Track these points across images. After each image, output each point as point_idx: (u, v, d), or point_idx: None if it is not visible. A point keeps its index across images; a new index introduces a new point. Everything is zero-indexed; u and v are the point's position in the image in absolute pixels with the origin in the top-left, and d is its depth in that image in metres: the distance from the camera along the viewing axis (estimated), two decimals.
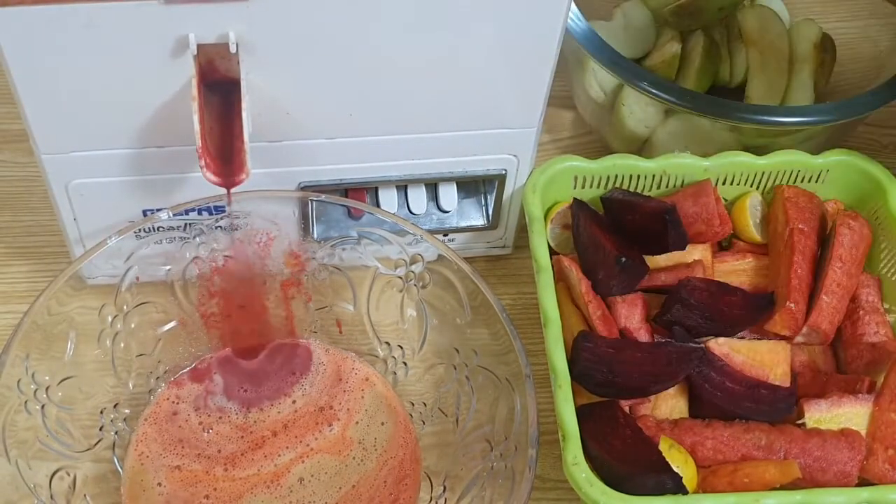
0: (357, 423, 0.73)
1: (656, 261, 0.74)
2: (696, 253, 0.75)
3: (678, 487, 0.63)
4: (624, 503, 0.62)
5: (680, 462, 0.65)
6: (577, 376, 0.68)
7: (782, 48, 0.88)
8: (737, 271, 0.76)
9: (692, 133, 0.82)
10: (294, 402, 0.74)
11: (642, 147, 0.86)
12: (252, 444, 0.72)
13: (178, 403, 0.73)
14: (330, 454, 0.71)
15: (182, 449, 0.71)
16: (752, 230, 0.78)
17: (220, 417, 0.73)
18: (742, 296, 0.73)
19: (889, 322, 0.74)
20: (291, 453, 0.71)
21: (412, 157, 0.72)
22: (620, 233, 0.75)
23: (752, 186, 0.79)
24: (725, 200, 0.79)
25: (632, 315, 0.72)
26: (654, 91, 0.77)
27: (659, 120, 0.84)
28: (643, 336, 0.72)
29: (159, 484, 0.69)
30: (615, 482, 0.63)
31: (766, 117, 0.77)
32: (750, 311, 0.72)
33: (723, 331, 0.72)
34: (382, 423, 0.73)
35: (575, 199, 0.76)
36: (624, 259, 0.70)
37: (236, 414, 0.73)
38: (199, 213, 0.71)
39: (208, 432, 0.72)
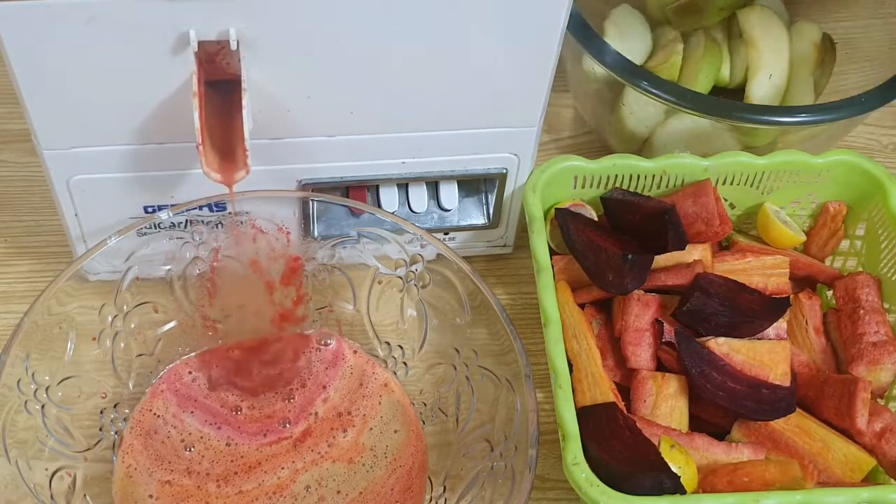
0: (371, 429, 0.72)
1: (656, 261, 0.74)
2: (696, 253, 0.75)
3: (676, 487, 0.63)
4: (624, 503, 0.62)
5: (681, 462, 0.65)
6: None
7: (782, 48, 0.88)
8: (736, 271, 0.76)
9: (693, 133, 0.82)
10: (316, 413, 0.73)
11: (642, 147, 0.86)
12: (246, 466, 0.70)
13: (158, 418, 0.72)
14: (341, 462, 0.71)
15: (169, 464, 0.70)
16: (791, 231, 0.78)
17: (201, 436, 0.71)
18: (759, 296, 0.73)
19: (889, 322, 0.74)
20: (300, 463, 0.70)
21: (413, 155, 0.72)
22: (617, 231, 0.75)
23: (752, 186, 0.79)
24: (732, 207, 0.79)
25: (643, 314, 0.72)
26: (654, 91, 0.77)
27: (659, 120, 0.84)
28: (647, 338, 0.72)
29: (150, 496, 0.68)
30: (614, 482, 0.63)
31: (766, 117, 0.77)
32: (768, 309, 0.72)
33: (742, 324, 0.71)
34: (396, 431, 0.72)
35: (557, 209, 0.76)
36: (630, 256, 0.70)
37: (224, 442, 0.71)
38: (200, 209, 0.71)
39: (190, 450, 0.70)
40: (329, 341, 0.76)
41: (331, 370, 0.75)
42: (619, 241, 0.74)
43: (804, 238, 0.80)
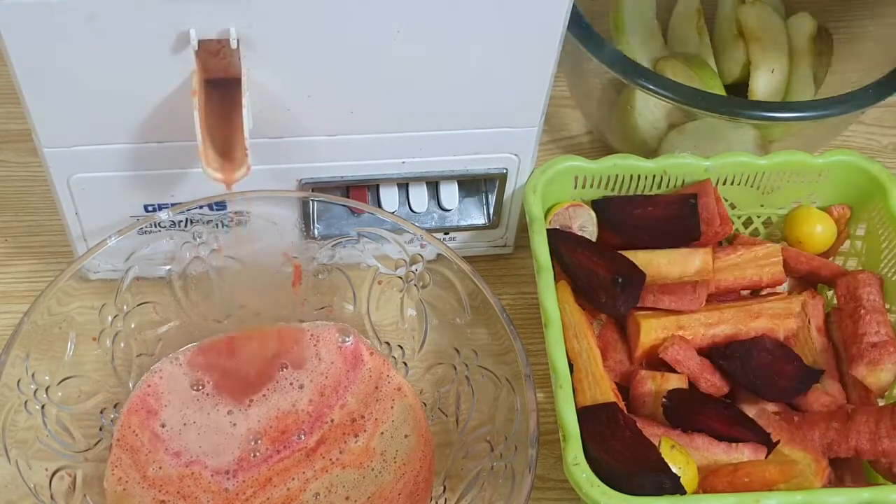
0: (382, 433, 0.72)
1: (655, 278, 0.73)
2: (697, 259, 0.74)
3: (676, 487, 0.63)
4: (624, 503, 0.62)
5: (681, 463, 0.65)
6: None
7: (782, 43, 0.88)
8: (730, 266, 0.75)
9: (704, 131, 0.82)
10: (331, 420, 0.72)
11: (657, 148, 0.86)
12: (252, 490, 0.69)
13: (137, 436, 0.70)
14: (351, 468, 0.70)
15: (162, 487, 0.68)
16: (819, 234, 0.79)
17: (191, 472, 0.69)
18: (797, 366, 0.72)
19: (890, 322, 0.74)
20: (310, 472, 0.70)
21: (413, 155, 0.72)
22: (614, 236, 0.76)
23: (752, 187, 0.79)
24: (732, 207, 0.79)
25: None
26: (663, 92, 0.77)
27: (670, 122, 0.83)
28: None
29: None
30: (615, 482, 0.63)
31: (782, 113, 0.77)
32: (799, 383, 0.72)
33: (764, 394, 0.71)
34: (406, 436, 0.72)
35: (549, 229, 0.75)
36: (620, 279, 0.70)
37: (221, 486, 0.69)
38: (200, 208, 0.71)
39: (180, 480, 0.69)
40: (347, 339, 0.75)
41: (352, 373, 0.74)
42: (611, 260, 0.73)
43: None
